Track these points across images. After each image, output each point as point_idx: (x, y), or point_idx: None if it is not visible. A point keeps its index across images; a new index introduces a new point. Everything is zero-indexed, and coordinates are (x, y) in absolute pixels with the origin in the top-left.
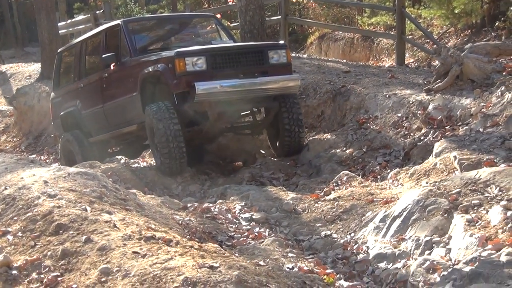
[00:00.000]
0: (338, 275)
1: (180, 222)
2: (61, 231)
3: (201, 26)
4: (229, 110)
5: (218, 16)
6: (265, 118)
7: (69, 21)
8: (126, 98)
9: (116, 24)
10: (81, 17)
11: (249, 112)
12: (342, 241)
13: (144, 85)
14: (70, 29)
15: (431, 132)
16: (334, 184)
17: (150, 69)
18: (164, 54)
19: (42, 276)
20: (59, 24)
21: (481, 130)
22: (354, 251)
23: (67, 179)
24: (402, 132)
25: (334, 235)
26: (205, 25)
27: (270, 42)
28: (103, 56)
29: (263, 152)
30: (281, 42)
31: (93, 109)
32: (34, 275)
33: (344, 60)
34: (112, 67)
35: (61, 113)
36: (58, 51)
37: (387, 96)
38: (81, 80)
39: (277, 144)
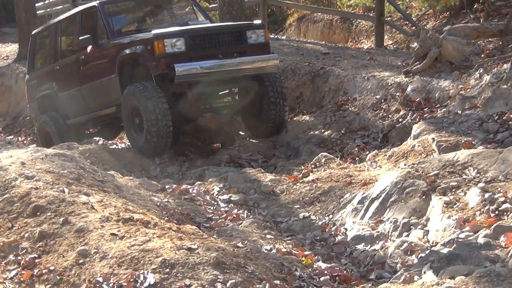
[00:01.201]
0: (316, 257)
1: (158, 203)
2: (38, 213)
3: (178, 7)
4: (208, 90)
5: None
6: (245, 98)
7: (47, 1)
8: (104, 80)
9: (92, 6)
10: None
11: (227, 92)
12: (320, 223)
13: (122, 67)
14: (48, 9)
15: (410, 114)
16: (313, 166)
17: (128, 51)
18: (142, 36)
19: (19, 258)
20: (36, 5)
21: (459, 112)
22: (332, 232)
23: (44, 161)
24: (381, 114)
25: (313, 217)
26: (181, 6)
27: (248, 22)
28: (80, 38)
29: (242, 133)
30: (259, 21)
31: (70, 91)
32: (11, 257)
33: (323, 42)
34: (89, 50)
35: (37, 96)
36: (33, 33)
37: (366, 78)
38: (57, 62)
39: (259, 122)
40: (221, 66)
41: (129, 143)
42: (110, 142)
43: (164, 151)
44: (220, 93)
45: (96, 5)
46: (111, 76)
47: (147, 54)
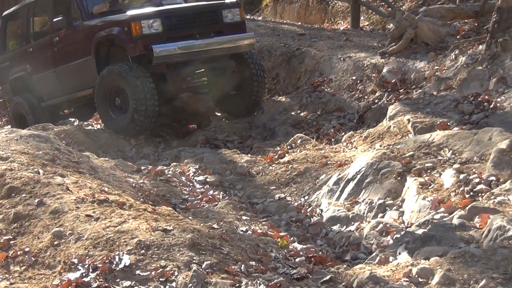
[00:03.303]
0: (292, 238)
1: (133, 185)
2: (13, 194)
3: None
4: (186, 70)
5: None
6: (222, 76)
7: None
8: (79, 62)
9: None
10: None
11: (205, 71)
12: (296, 204)
13: (98, 48)
14: None
15: (385, 95)
16: (288, 147)
17: (105, 33)
18: (118, 17)
19: None
20: None
21: (435, 93)
22: (308, 214)
23: (19, 142)
24: (357, 95)
25: (288, 198)
26: None
27: (223, 1)
28: (54, 20)
29: (218, 114)
30: (234, 0)
31: (44, 73)
32: None
33: (299, 23)
34: (62, 31)
35: (10, 78)
36: (3, 15)
37: (342, 59)
38: (29, 44)
39: (237, 101)
40: (198, 46)
41: None
42: (85, 123)
43: (147, 130)
44: (197, 72)
45: None
46: (87, 58)
47: (124, 36)
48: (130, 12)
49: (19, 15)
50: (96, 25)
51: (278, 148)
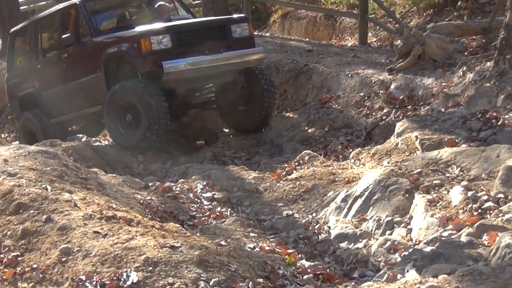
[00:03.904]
0: (299, 255)
1: (141, 201)
2: (21, 211)
3: (158, 3)
4: (196, 86)
5: None
6: (231, 92)
7: None
8: (89, 78)
9: (72, 4)
10: None
11: (214, 87)
12: (303, 221)
13: (108, 64)
14: (31, 5)
15: (393, 111)
16: (296, 163)
17: (114, 49)
18: (128, 33)
19: (2, 255)
20: (20, 0)
21: (442, 110)
22: (316, 231)
23: (27, 158)
24: (364, 111)
25: (296, 215)
26: (162, 2)
27: (231, 16)
28: (62, 37)
29: (226, 130)
30: (242, 15)
31: (53, 89)
32: None
33: (307, 39)
34: (71, 48)
35: (19, 94)
36: (11, 31)
37: (350, 75)
38: (38, 61)
39: (245, 117)
40: (208, 62)
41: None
42: (93, 139)
43: (157, 147)
44: (206, 87)
45: (78, 3)
46: (96, 74)
47: (134, 52)
48: (139, 28)
49: (27, 31)
50: (105, 41)
51: (286, 165)
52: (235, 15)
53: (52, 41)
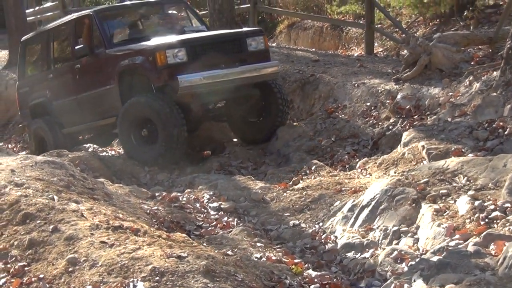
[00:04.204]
0: (306, 265)
1: (148, 211)
2: (28, 221)
3: (172, 13)
4: (211, 100)
5: None
6: (245, 105)
7: (37, 8)
8: (102, 90)
9: (86, 15)
10: (49, 4)
11: (227, 99)
12: (310, 230)
13: (122, 77)
14: (38, 16)
15: (400, 121)
16: (303, 173)
17: (128, 62)
18: (142, 46)
19: (8, 266)
20: (27, 11)
21: (449, 119)
22: (322, 240)
23: (34, 168)
24: (371, 121)
25: (303, 225)
26: (175, 12)
27: (247, 29)
28: (76, 48)
29: (235, 140)
30: (258, 28)
31: (65, 99)
32: (0, 265)
33: (313, 49)
34: (84, 59)
35: (30, 103)
36: (22, 40)
37: (356, 85)
38: (50, 70)
39: (254, 128)
40: (224, 76)
41: (119, 150)
42: (100, 149)
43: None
44: (220, 101)
45: (92, 13)
46: (109, 86)
47: (149, 65)
48: (154, 41)
49: (39, 40)
50: (119, 53)
51: (293, 175)
52: (250, 28)
53: (65, 51)
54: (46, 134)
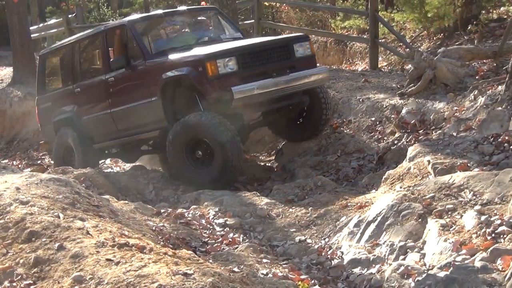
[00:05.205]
0: (312, 281)
1: (153, 228)
2: (33, 239)
3: (205, 21)
4: (262, 109)
5: None
6: (293, 111)
7: (41, 25)
8: (142, 103)
9: (119, 25)
10: (53, 21)
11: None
12: (316, 246)
13: (165, 89)
14: (43, 33)
15: (405, 136)
16: (308, 189)
17: (174, 73)
18: (190, 56)
19: (14, 284)
20: (31, 28)
21: (454, 134)
22: (329, 256)
23: (39, 186)
24: (376, 136)
25: (309, 241)
26: (209, 20)
27: (293, 35)
28: (112, 60)
29: (247, 157)
30: (303, 34)
31: (97, 114)
32: (6, 283)
33: (318, 64)
34: (120, 71)
35: (55, 119)
36: (41, 53)
37: (361, 100)
38: (77, 84)
39: (304, 128)
40: (277, 85)
41: (125, 167)
42: (105, 165)
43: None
44: (270, 110)
45: (126, 24)
46: (151, 99)
47: (199, 76)
48: (201, 51)
49: (61, 53)
50: (162, 64)
51: (298, 190)
52: (295, 34)
53: (93, 64)
54: (76, 149)
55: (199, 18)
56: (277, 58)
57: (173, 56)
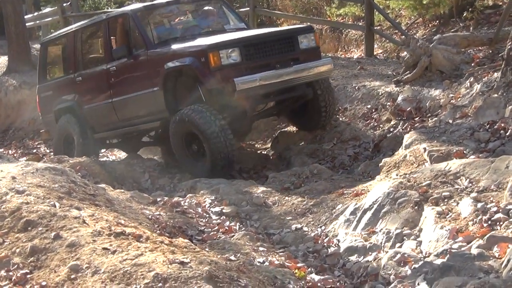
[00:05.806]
0: (309, 269)
1: (150, 217)
2: (29, 228)
3: (210, 11)
4: (265, 101)
5: None
6: (295, 102)
7: (36, 13)
8: (144, 93)
9: (122, 14)
10: (48, 9)
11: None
12: (312, 234)
13: (167, 79)
14: (37, 21)
15: (401, 123)
16: (304, 176)
17: (176, 63)
18: (192, 46)
19: (11, 273)
20: (26, 17)
21: (450, 121)
22: (325, 244)
23: (35, 175)
24: (372, 124)
25: (305, 229)
26: (213, 10)
27: (297, 26)
28: (113, 49)
29: (243, 145)
30: (308, 25)
31: (98, 103)
32: (2, 272)
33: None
34: (122, 61)
35: (56, 108)
36: (42, 41)
37: (356, 87)
38: (78, 73)
39: (308, 118)
40: (280, 77)
41: (120, 155)
42: (100, 154)
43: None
44: (272, 101)
45: (129, 13)
46: (153, 89)
47: (201, 67)
48: (205, 41)
49: (63, 42)
50: (164, 54)
51: (294, 178)
52: (300, 25)
53: (95, 53)
54: (77, 138)
55: (202, 8)
56: (281, 50)
57: (175, 46)
